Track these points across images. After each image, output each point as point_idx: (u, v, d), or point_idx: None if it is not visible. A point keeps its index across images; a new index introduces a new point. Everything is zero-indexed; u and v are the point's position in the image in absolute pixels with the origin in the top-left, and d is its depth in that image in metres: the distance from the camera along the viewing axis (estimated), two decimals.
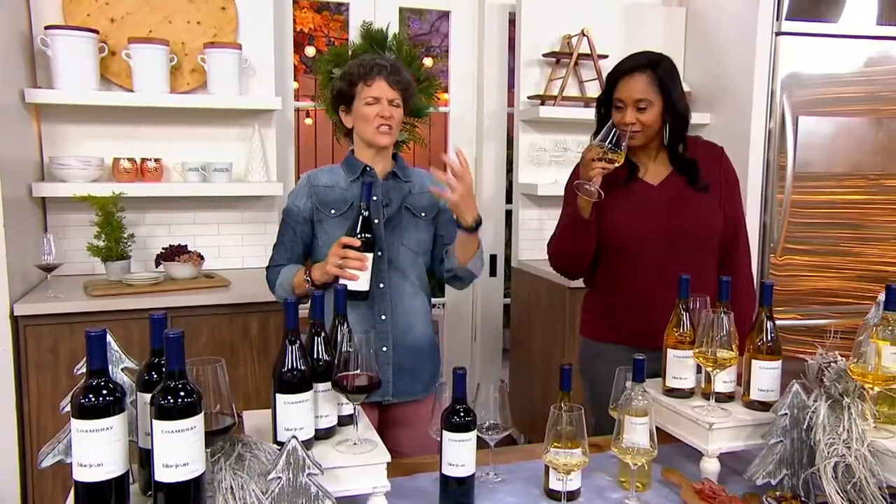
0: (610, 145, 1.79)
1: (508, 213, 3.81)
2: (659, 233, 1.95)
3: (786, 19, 3.13)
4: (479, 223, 1.85)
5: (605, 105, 2.00)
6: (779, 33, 3.14)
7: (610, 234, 1.98)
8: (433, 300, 4.71)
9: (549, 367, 3.18)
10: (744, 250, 2.06)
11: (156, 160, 2.90)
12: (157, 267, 2.82)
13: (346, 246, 1.70)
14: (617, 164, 1.83)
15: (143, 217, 3.02)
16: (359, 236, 1.70)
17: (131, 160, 2.86)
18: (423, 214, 1.96)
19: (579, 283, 2.20)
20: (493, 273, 3.84)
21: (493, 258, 3.83)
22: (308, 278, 1.79)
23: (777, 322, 3.18)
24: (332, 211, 1.90)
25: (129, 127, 2.98)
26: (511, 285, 3.74)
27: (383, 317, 1.91)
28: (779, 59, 3.14)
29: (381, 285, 1.90)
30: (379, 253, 1.85)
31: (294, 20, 6.85)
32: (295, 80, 6.26)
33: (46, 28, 2.74)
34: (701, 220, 1.97)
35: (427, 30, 8.48)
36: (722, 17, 3.44)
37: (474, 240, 1.90)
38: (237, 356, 2.64)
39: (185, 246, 2.81)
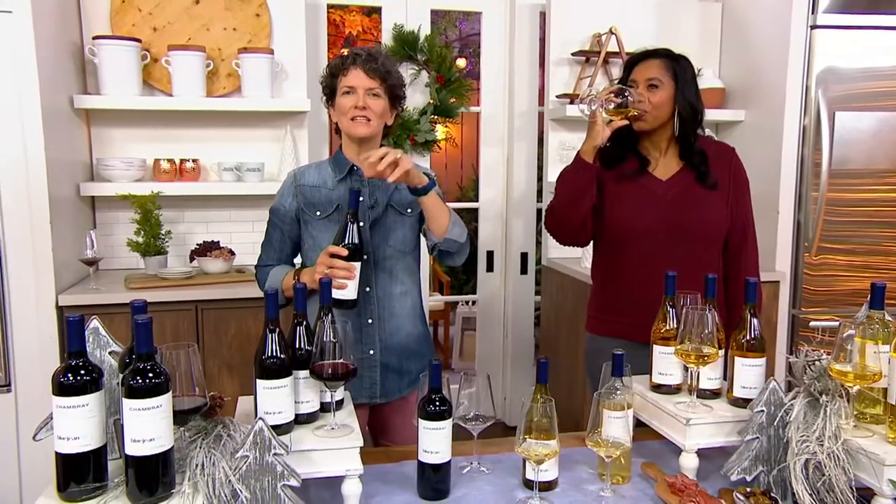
0: (619, 99, 1.88)
1: (539, 212, 3.82)
2: (662, 227, 1.96)
3: (823, 12, 3.05)
4: (431, 184, 1.78)
5: None
6: (814, 27, 3.06)
7: (614, 226, 2.01)
8: (465, 297, 4.78)
9: (575, 365, 3.18)
10: (751, 251, 2.05)
11: (193, 161, 3.06)
12: (191, 262, 2.97)
13: (332, 255, 1.68)
14: (621, 118, 1.88)
15: (183, 215, 3.18)
16: (346, 245, 1.69)
17: (170, 161, 3.02)
18: (408, 211, 1.92)
19: None
20: (524, 271, 3.87)
21: (524, 256, 3.86)
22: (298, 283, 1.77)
23: (812, 323, 3.10)
24: (318, 213, 1.87)
25: (169, 129, 3.14)
26: (541, 283, 3.76)
27: (370, 320, 1.89)
28: (814, 54, 3.07)
29: (368, 289, 1.87)
30: (365, 257, 1.82)
31: (343, 23, 7.01)
32: None
33: (94, 38, 2.92)
34: (706, 217, 1.97)
35: (478, 30, 8.53)
36: (757, 11, 3.37)
37: (440, 206, 1.83)
38: None
39: (218, 242, 2.95)
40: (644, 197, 2.00)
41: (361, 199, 1.85)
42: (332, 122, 1.93)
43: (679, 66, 1.97)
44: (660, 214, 1.97)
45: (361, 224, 1.84)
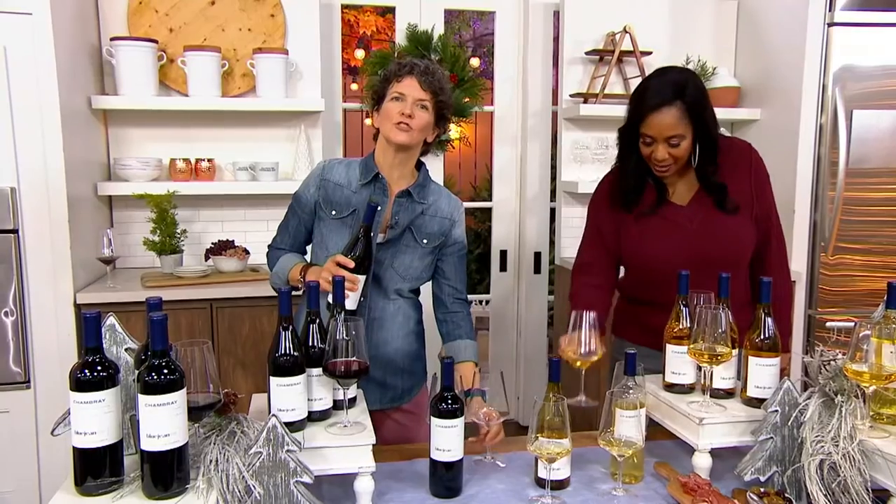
0: (586, 350, 1.66)
1: (553, 211, 3.82)
2: (690, 259, 1.83)
3: (840, 9, 3.02)
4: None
5: (629, 136, 1.87)
6: (831, 24, 3.04)
7: (640, 260, 1.93)
8: (478, 296, 4.79)
9: None
10: (776, 248, 1.97)
11: (209, 160, 3.08)
12: (206, 261, 2.99)
13: (339, 264, 1.66)
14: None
15: (198, 214, 3.21)
16: (353, 257, 1.68)
17: (186, 160, 3.05)
18: (424, 241, 1.87)
19: None
20: (537, 271, 3.87)
21: (537, 256, 3.85)
22: (303, 279, 1.76)
23: (829, 324, 3.05)
24: (333, 212, 1.84)
25: (184, 129, 3.17)
26: (554, 283, 3.75)
27: None
28: (831, 51, 3.04)
29: (362, 298, 1.80)
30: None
31: (357, 23, 7.02)
32: (355, 81, 6.43)
33: (112, 39, 2.95)
34: (733, 243, 1.88)
35: (491, 29, 8.52)
36: (774, 9, 3.34)
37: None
38: None
39: (232, 241, 2.97)
40: (667, 228, 1.90)
41: (379, 208, 1.76)
42: (374, 127, 1.90)
43: (692, 98, 1.76)
44: (685, 246, 1.88)
45: (373, 236, 1.78)
